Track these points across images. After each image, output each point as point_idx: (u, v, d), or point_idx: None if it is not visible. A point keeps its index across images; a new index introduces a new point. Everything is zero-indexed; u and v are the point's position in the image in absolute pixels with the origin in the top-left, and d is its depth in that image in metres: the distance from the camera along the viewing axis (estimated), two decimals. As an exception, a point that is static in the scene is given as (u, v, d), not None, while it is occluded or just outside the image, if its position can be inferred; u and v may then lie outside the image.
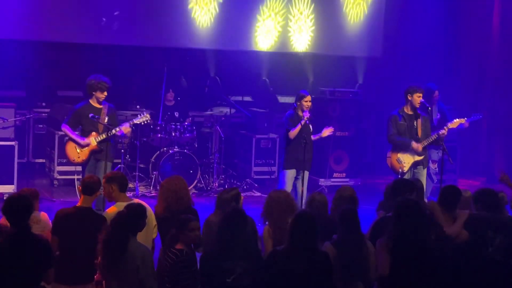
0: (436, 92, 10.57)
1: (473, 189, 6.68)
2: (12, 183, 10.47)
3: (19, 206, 5.26)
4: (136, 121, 9.31)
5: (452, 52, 13.66)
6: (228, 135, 12.42)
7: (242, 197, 6.75)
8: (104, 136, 8.89)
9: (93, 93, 9.01)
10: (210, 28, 13.17)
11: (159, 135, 11.51)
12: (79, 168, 9.54)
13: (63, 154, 10.96)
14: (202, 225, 6.30)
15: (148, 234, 6.46)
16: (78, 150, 8.98)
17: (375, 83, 13.79)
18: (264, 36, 13.59)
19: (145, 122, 9.61)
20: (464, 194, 6.89)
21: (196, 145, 11.96)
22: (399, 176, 9.26)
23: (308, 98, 9.43)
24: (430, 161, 10.33)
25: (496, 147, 13.60)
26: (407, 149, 9.39)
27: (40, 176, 12.01)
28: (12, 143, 10.62)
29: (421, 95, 9.45)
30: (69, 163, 9.95)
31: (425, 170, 9.63)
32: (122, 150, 11.45)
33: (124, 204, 6.11)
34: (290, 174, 9.43)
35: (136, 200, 6.47)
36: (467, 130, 10.81)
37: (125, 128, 8.98)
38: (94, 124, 8.91)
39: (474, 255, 6.04)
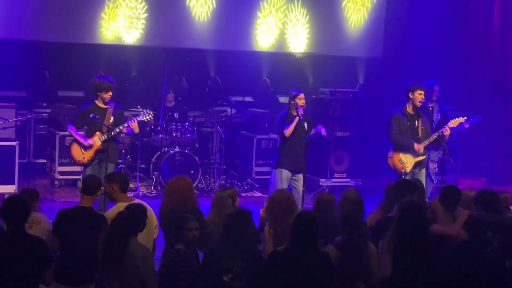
0: (436, 87, 10.53)
1: (474, 190, 6.67)
2: (13, 183, 10.47)
3: (15, 208, 5.26)
4: (140, 118, 9.30)
5: (453, 53, 13.66)
6: (229, 135, 12.43)
7: (237, 198, 6.78)
8: (106, 136, 8.88)
9: (98, 93, 9.01)
10: (211, 27, 13.17)
11: (160, 136, 11.52)
12: (79, 168, 9.54)
13: (64, 154, 11.01)
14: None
15: (149, 234, 6.47)
16: (83, 151, 8.99)
17: (375, 83, 13.79)
18: (264, 37, 13.59)
19: (149, 119, 9.60)
20: (468, 193, 6.90)
21: (197, 146, 11.96)
22: (403, 176, 9.25)
23: (302, 96, 9.35)
24: (429, 161, 10.32)
25: (497, 148, 13.60)
26: (408, 149, 9.38)
27: (41, 176, 12.01)
28: (13, 143, 10.62)
29: (422, 92, 9.44)
30: (70, 163, 9.99)
31: (424, 170, 9.63)
32: (123, 150, 11.45)
33: (125, 204, 6.13)
34: (285, 174, 9.34)
35: (136, 201, 6.48)
36: (467, 130, 10.81)
37: (133, 124, 8.96)
38: (98, 124, 8.91)
39: (473, 255, 6.04)
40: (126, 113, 11.59)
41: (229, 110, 12.44)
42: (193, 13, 13.07)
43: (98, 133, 8.97)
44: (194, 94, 13.48)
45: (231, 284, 5.51)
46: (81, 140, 8.98)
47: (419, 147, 9.35)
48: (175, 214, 6.26)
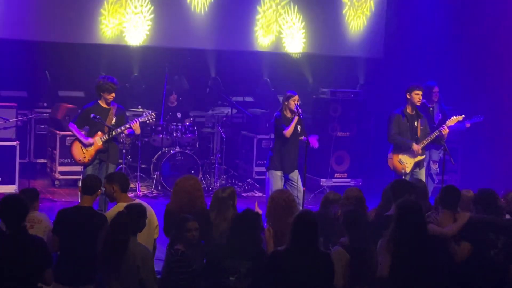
0: (436, 88, 10.53)
1: (475, 190, 6.65)
2: (13, 183, 10.49)
3: (13, 208, 5.26)
4: (142, 119, 9.30)
5: (454, 53, 13.64)
6: (230, 135, 12.43)
7: (236, 198, 6.78)
8: (108, 136, 8.88)
9: (101, 94, 9.01)
10: (211, 27, 13.17)
11: (161, 136, 11.52)
12: (80, 168, 9.54)
13: (64, 154, 11.01)
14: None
15: (150, 235, 6.47)
16: (84, 150, 8.98)
17: (376, 83, 13.78)
18: (265, 37, 13.60)
19: (151, 120, 9.60)
20: (466, 194, 6.89)
21: (198, 146, 11.96)
22: (403, 177, 9.25)
23: (296, 97, 9.32)
24: (431, 161, 10.32)
25: (498, 148, 13.58)
26: (408, 149, 9.38)
27: (42, 176, 12.02)
28: (14, 143, 10.63)
29: (419, 92, 9.42)
30: (71, 163, 9.99)
31: (423, 170, 9.61)
32: (124, 150, 11.45)
33: (125, 204, 6.13)
34: (279, 174, 9.33)
35: (137, 201, 6.48)
36: (468, 131, 10.80)
37: (135, 125, 8.96)
38: (99, 124, 8.91)
39: (476, 258, 6.02)
40: (127, 113, 11.64)
41: (229, 110, 12.44)
42: (193, 14, 13.07)
43: (99, 133, 8.97)
44: (195, 94, 13.48)
45: (236, 284, 5.52)
46: (82, 138, 8.98)
47: (417, 147, 9.35)
48: (185, 213, 6.24)
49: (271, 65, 13.90)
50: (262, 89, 14.01)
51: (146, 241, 6.30)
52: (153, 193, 11.27)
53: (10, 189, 10.24)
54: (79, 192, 9.23)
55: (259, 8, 13.52)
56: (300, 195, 8.96)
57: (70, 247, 6.02)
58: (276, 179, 9.29)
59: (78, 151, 9.02)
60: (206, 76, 13.70)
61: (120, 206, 6.24)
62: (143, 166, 11.77)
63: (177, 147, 11.52)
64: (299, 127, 9.29)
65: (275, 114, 9.50)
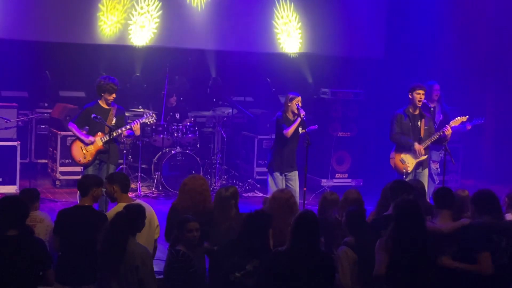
0: (436, 86, 10.51)
1: (476, 190, 6.63)
2: (14, 184, 10.49)
3: (12, 208, 5.26)
4: (143, 121, 9.30)
5: (455, 53, 13.64)
6: (230, 135, 12.43)
7: (238, 197, 6.79)
8: (108, 137, 8.87)
9: (102, 94, 9.00)
10: (211, 27, 13.18)
11: (161, 136, 11.52)
12: (81, 169, 9.53)
13: (65, 154, 11.01)
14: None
15: (150, 235, 6.47)
16: (84, 151, 8.96)
17: (377, 83, 13.78)
18: (266, 37, 13.60)
19: (152, 121, 9.60)
20: (461, 193, 6.88)
21: (198, 146, 11.96)
22: (404, 176, 9.25)
23: (299, 99, 9.32)
24: (431, 161, 10.31)
25: (499, 148, 13.58)
26: (410, 149, 9.38)
27: (43, 176, 12.02)
28: (15, 143, 10.63)
29: (420, 92, 9.41)
30: (72, 163, 9.98)
31: (426, 170, 9.60)
32: (125, 151, 11.45)
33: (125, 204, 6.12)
34: (277, 176, 9.35)
35: (138, 201, 6.48)
36: (470, 131, 10.80)
37: (135, 126, 8.95)
38: (100, 125, 8.91)
39: None
40: (127, 113, 11.64)
41: (230, 110, 12.44)
42: (193, 14, 13.07)
43: (99, 133, 8.96)
44: (196, 95, 13.48)
45: (242, 281, 5.55)
46: (83, 137, 8.96)
47: (419, 147, 9.34)
48: (194, 214, 6.23)
49: (272, 65, 13.89)
50: (263, 90, 14.01)
51: (147, 241, 6.30)
52: (154, 193, 11.27)
53: (11, 189, 10.25)
54: (78, 193, 9.31)
55: (260, 9, 13.52)
56: (296, 195, 8.99)
57: (71, 247, 6.02)
58: (277, 179, 9.31)
59: (78, 152, 9.01)
60: (206, 76, 13.70)
61: (121, 206, 6.24)
62: (144, 166, 11.77)
63: (178, 147, 11.52)
64: (300, 128, 9.27)
65: (276, 114, 9.49)
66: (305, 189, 9.06)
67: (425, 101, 9.49)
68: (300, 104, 9.27)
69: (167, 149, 11.53)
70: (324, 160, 11.99)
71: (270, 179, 9.40)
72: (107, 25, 12.59)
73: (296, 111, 9.24)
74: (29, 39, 12.36)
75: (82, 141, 8.97)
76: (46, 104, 12.57)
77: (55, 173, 11.52)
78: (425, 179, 9.38)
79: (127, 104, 12.36)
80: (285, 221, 6.11)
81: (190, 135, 11.69)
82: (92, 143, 8.92)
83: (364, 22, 14.03)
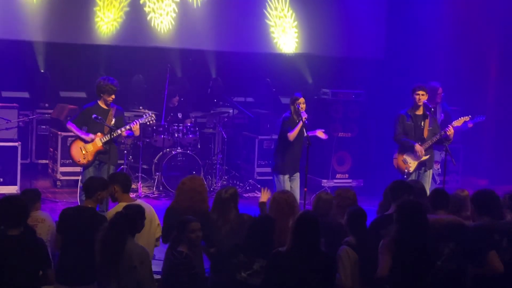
0: (440, 89, 10.53)
1: (476, 190, 6.63)
2: (15, 184, 10.49)
3: (12, 208, 5.26)
4: (142, 121, 9.30)
5: (456, 53, 13.63)
6: (231, 136, 12.43)
7: (238, 199, 6.80)
8: (108, 137, 8.88)
9: (101, 95, 9.01)
10: (212, 28, 13.19)
11: (162, 136, 11.52)
12: (81, 169, 9.53)
13: (66, 155, 11.00)
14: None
15: (151, 235, 6.48)
16: (83, 152, 8.96)
17: (377, 84, 13.77)
18: (266, 38, 13.61)
19: (151, 122, 9.60)
20: (460, 193, 6.89)
21: (199, 146, 11.97)
22: (405, 177, 9.26)
23: (302, 100, 9.32)
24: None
25: (499, 149, 13.58)
26: (412, 150, 9.38)
27: (43, 177, 12.02)
28: (15, 144, 10.63)
29: (421, 92, 9.39)
30: (72, 164, 9.96)
31: (430, 171, 9.56)
32: (125, 151, 11.46)
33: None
34: (287, 177, 9.37)
35: (138, 201, 6.49)
36: (470, 131, 10.79)
37: (134, 126, 8.95)
38: (99, 125, 8.90)
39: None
40: (128, 114, 11.66)
41: (231, 110, 12.44)
42: (193, 14, 13.09)
43: (99, 134, 8.95)
44: (196, 95, 13.48)
45: (247, 280, 5.57)
46: (83, 136, 8.95)
47: (419, 148, 9.33)
48: (193, 214, 6.23)
49: (273, 66, 13.90)
50: (263, 90, 14.01)
51: (148, 241, 6.32)
52: (154, 194, 11.27)
53: (12, 189, 10.25)
54: (78, 193, 9.32)
55: (261, 9, 13.53)
56: (297, 196, 9.00)
57: (72, 247, 6.03)
58: (283, 182, 9.31)
59: (78, 152, 9.00)
60: (207, 76, 13.70)
61: (121, 206, 6.25)
62: (145, 166, 11.77)
63: (179, 148, 11.52)
64: (304, 130, 9.26)
65: (284, 114, 9.46)
66: (305, 189, 9.06)
67: (426, 101, 9.48)
68: (303, 106, 9.25)
69: (168, 149, 11.53)
70: (325, 161, 11.99)
71: (276, 182, 9.41)
72: (104, 22, 12.58)
73: (298, 112, 9.23)
74: (29, 39, 12.36)
75: (82, 139, 8.95)
76: (46, 105, 12.57)
77: (55, 174, 11.53)
78: (427, 180, 9.37)
79: (128, 105, 12.37)
80: (286, 222, 6.11)
81: (190, 136, 11.70)
82: (92, 140, 8.91)
83: (364, 23, 14.03)
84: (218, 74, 13.76)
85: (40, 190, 7.06)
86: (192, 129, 11.74)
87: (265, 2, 13.65)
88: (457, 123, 9.55)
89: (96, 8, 12.53)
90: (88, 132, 9.02)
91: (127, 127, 8.94)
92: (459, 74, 13.45)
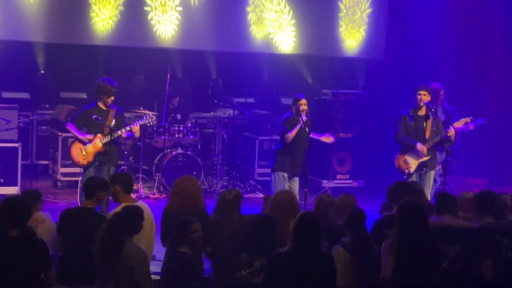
0: (442, 91, 10.54)
1: (478, 189, 6.65)
2: (15, 185, 10.49)
3: (16, 208, 5.26)
4: (142, 122, 9.30)
5: (456, 54, 13.63)
6: (231, 136, 12.43)
7: (241, 200, 6.80)
8: (108, 138, 8.88)
9: (101, 96, 9.01)
10: (212, 28, 13.19)
11: (163, 137, 11.52)
12: (82, 170, 9.54)
13: (66, 155, 10.99)
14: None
15: (152, 235, 6.47)
16: (83, 152, 8.96)
17: (378, 84, 13.79)
18: (266, 38, 13.61)
19: (152, 123, 9.60)
20: (466, 195, 6.90)
21: (199, 147, 11.97)
22: (405, 177, 9.27)
23: (304, 101, 9.30)
24: (433, 162, 10.30)
25: (499, 149, 13.58)
26: (413, 150, 9.38)
27: (44, 177, 12.02)
28: (16, 144, 10.63)
29: (423, 93, 9.38)
30: (73, 164, 9.97)
31: (432, 172, 9.54)
32: (126, 152, 11.46)
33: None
34: (285, 175, 9.36)
35: (139, 202, 6.49)
36: (471, 132, 10.79)
37: (135, 128, 8.95)
38: (99, 126, 8.91)
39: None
40: (128, 115, 11.66)
41: (231, 111, 12.44)
42: (193, 14, 13.09)
43: (99, 135, 8.95)
44: (197, 96, 13.48)
45: (248, 279, 5.59)
46: (81, 137, 8.96)
47: (421, 147, 9.33)
48: (187, 214, 6.24)
49: (273, 66, 13.90)
50: (264, 91, 14.02)
51: (148, 241, 6.32)
52: (155, 194, 11.27)
53: (12, 190, 10.25)
54: (78, 194, 9.31)
55: (258, 10, 13.52)
56: (297, 197, 8.99)
57: (72, 248, 6.03)
58: (280, 180, 9.31)
59: (78, 153, 9.01)
60: (207, 77, 13.70)
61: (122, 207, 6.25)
62: (145, 167, 11.77)
63: (179, 148, 11.52)
64: (307, 129, 9.26)
65: (286, 114, 9.48)
66: (306, 190, 9.06)
67: (426, 102, 9.47)
68: (304, 107, 9.25)
69: (168, 150, 11.53)
70: (325, 161, 11.99)
71: (273, 180, 9.41)
72: (100, 19, 12.57)
73: (299, 113, 9.23)
74: (30, 40, 12.37)
75: (80, 140, 8.96)
76: (47, 106, 12.57)
77: (56, 174, 11.52)
78: (428, 181, 9.36)
79: (128, 105, 12.37)
80: (287, 222, 6.11)
81: (191, 136, 11.70)
82: (90, 141, 8.92)
83: (365, 23, 14.04)
84: (219, 74, 13.76)
85: (41, 191, 7.04)
86: (192, 129, 11.74)
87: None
88: (458, 124, 9.55)
89: (92, 1, 12.52)
90: (88, 133, 9.02)
91: (127, 128, 8.94)
92: (460, 74, 13.46)
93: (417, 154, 9.38)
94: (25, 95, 12.53)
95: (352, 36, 14.03)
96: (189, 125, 11.78)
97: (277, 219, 6.21)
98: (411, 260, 5.54)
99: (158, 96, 12.41)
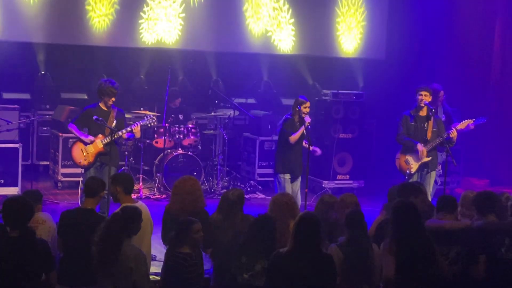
0: (442, 92, 10.55)
1: (478, 189, 6.67)
2: (16, 185, 10.48)
3: (18, 209, 5.27)
4: (143, 123, 9.31)
5: (456, 54, 13.65)
6: (232, 137, 12.43)
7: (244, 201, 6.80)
8: (109, 139, 8.88)
9: (102, 97, 9.02)
10: (212, 29, 13.20)
11: (163, 137, 11.52)
12: (82, 171, 9.55)
13: (67, 156, 11.00)
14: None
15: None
16: (84, 153, 8.97)
17: (378, 85, 13.79)
18: (266, 37, 13.62)
19: (152, 124, 9.60)
20: (469, 194, 6.90)
21: (200, 147, 11.97)
22: (406, 177, 9.26)
23: (307, 104, 9.30)
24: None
25: (499, 149, 13.58)
26: (414, 150, 9.38)
27: (44, 178, 12.02)
28: (16, 145, 10.63)
29: (423, 93, 9.37)
30: (73, 165, 9.98)
31: (433, 173, 9.53)
32: (126, 152, 11.47)
33: (127, 206, 6.13)
34: (288, 177, 9.36)
35: (139, 203, 6.49)
36: (471, 132, 10.79)
37: (135, 128, 8.96)
38: (100, 127, 8.92)
39: (488, 259, 6.04)
40: (129, 115, 11.66)
41: (232, 112, 12.45)
42: (193, 15, 13.10)
43: (100, 135, 8.96)
44: (197, 96, 13.49)
45: (250, 282, 5.59)
46: (83, 137, 8.97)
47: (422, 148, 9.33)
48: (187, 214, 6.25)
49: (273, 67, 13.91)
50: (264, 91, 14.02)
51: (149, 242, 6.32)
52: (155, 195, 11.28)
53: (13, 191, 10.25)
54: (79, 194, 9.32)
55: (259, 10, 13.54)
56: (297, 197, 9.00)
57: (73, 248, 6.04)
58: (283, 182, 9.28)
59: (79, 153, 9.02)
60: (207, 78, 13.71)
61: (123, 208, 6.25)
62: (146, 168, 11.78)
63: (180, 149, 11.53)
64: (305, 132, 9.25)
65: (285, 116, 9.45)
66: (306, 190, 9.06)
67: (426, 102, 9.47)
68: (307, 110, 9.24)
69: (169, 150, 11.54)
70: (326, 162, 11.98)
71: (277, 182, 9.40)
72: (96, 15, 12.56)
73: (302, 117, 9.21)
74: (31, 40, 12.38)
75: (82, 141, 8.98)
76: (48, 106, 12.58)
77: (56, 175, 11.53)
78: (429, 181, 9.35)
79: (129, 106, 12.38)
80: (286, 223, 6.12)
81: (191, 137, 11.70)
82: (92, 142, 8.93)
83: (365, 23, 14.05)
84: (219, 75, 13.77)
85: (41, 191, 7.06)
86: (193, 130, 11.75)
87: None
88: (461, 126, 9.54)
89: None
90: (89, 133, 9.03)
91: (128, 129, 8.95)
92: (460, 74, 13.47)
93: (418, 154, 9.39)
94: (26, 96, 12.54)
95: (352, 36, 14.04)
96: (190, 125, 11.79)
97: (276, 221, 6.24)
98: (410, 257, 5.55)
99: (158, 97, 12.42)
